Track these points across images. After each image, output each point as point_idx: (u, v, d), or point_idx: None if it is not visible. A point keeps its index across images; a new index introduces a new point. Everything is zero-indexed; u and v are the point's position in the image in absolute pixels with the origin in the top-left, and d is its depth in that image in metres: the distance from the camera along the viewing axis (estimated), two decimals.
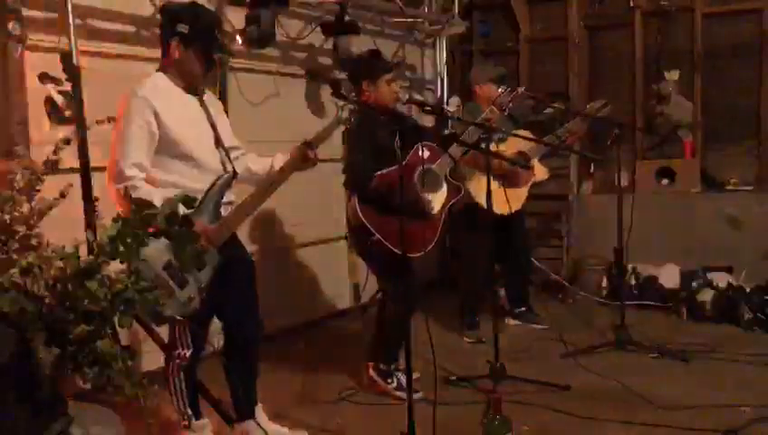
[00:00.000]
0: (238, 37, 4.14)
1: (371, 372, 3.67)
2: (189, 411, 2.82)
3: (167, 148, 2.68)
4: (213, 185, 2.72)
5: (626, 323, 4.26)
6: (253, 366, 3.03)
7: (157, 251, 2.44)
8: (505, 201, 3.94)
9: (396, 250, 3.23)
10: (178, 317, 2.54)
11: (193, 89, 2.82)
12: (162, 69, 2.79)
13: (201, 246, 2.54)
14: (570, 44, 6.30)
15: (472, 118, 4.06)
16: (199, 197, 2.67)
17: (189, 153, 2.71)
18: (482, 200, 3.74)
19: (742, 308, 4.66)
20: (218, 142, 2.82)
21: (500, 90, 3.83)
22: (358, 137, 3.46)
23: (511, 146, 4.44)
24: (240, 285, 2.90)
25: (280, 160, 2.89)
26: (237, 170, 2.87)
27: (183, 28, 2.68)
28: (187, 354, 2.75)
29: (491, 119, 3.67)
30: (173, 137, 2.67)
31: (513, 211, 4.28)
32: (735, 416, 3.13)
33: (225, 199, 2.77)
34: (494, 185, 3.92)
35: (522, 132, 4.48)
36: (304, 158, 2.78)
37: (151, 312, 1.66)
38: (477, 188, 4.21)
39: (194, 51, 2.72)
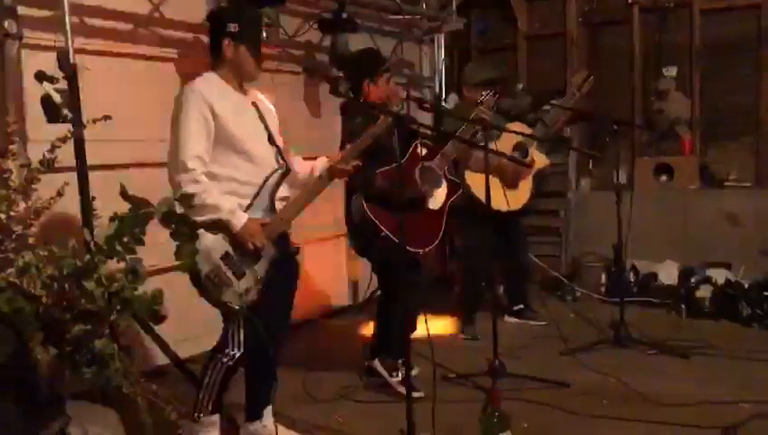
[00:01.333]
0: None
1: (376, 364, 3.67)
2: (210, 407, 2.85)
3: (223, 141, 2.72)
4: (268, 179, 2.79)
5: (625, 320, 4.26)
6: (273, 367, 3.00)
7: (216, 242, 2.61)
8: (505, 197, 3.94)
9: (402, 245, 3.26)
10: (236, 307, 2.63)
11: (244, 90, 2.90)
12: (214, 69, 2.85)
13: (253, 242, 2.67)
14: (568, 41, 6.30)
15: (462, 114, 4.08)
16: (255, 190, 2.76)
17: (244, 148, 2.76)
18: (478, 194, 3.78)
19: (740, 304, 4.68)
20: (271, 139, 2.88)
21: (483, 93, 3.84)
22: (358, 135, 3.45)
23: (506, 141, 4.43)
24: (285, 283, 2.93)
25: (322, 164, 3.02)
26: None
27: (233, 27, 2.77)
28: (237, 355, 2.78)
29: (484, 119, 3.67)
30: (229, 131, 2.72)
31: (512, 208, 4.27)
32: (735, 412, 3.13)
33: (279, 195, 2.83)
34: (495, 182, 3.93)
35: (514, 125, 4.48)
36: (344, 170, 2.97)
37: (149, 311, 1.65)
38: (478, 184, 4.21)
39: (245, 48, 2.79)
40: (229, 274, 2.63)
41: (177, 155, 2.65)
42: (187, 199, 1.68)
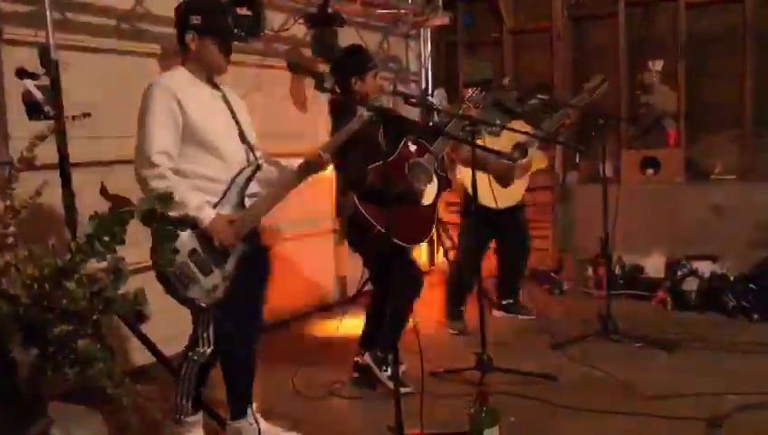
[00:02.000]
0: None
1: (367, 358, 3.68)
2: (189, 406, 2.83)
3: (191, 137, 2.68)
4: (238, 175, 2.75)
5: (612, 313, 4.27)
6: (252, 364, 3.01)
7: (182, 239, 2.56)
8: (503, 194, 3.96)
9: (397, 241, 3.29)
10: (203, 304, 2.60)
11: (215, 85, 2.85)
12: (183, 64, 2.81)
13: (220, 239, 2.64)
14: (553, 35, 6.30)
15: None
16: (224, 187, 2.73)
17: (214, 144, 2.72)
18: (470, 191, 3.77)
19: (726, 297, 4.70)
20: (242, 136, 2.84)
21: (470, 90, 3.84)
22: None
23: (505, 139, 4.43)
24: (255, 279, 2.90)
25: (298, 160, 2.95)
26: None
27: (196, 20, 2.73)
28: (207, 352, 2.76)
29: (470, 115, 3.67)
30: (197, 126, 2.68)
31: (505, 205, 4.28)
32: (720, 404, 3.15)
33: (249, 191, 2.79)
34: (485, 178, 3.93)
35: (516, 123, 4.48)
36: (319, 164, 2.84)
37: (132, 310, 1.63)
38: (469, 179, 4.23)
39: (210, 40, 2.74)
40: (196, 270, 2.59)
41: (143, 151, 2.61)
42: (165, 199, 1.65)
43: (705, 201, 5.45)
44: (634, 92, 6.04)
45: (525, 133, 4.37)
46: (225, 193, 2.72)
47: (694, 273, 5.01)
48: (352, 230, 3.57)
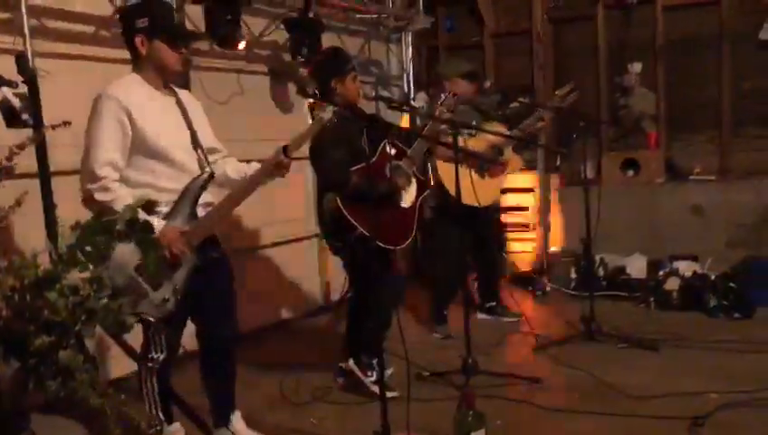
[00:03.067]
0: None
1: (350, 364, 3.67)
2: (162, 416, 2.77)
3: (141, 147, 2.64)
4: (189, 185, 2.69)
5: (595, 315, 4.30)
6: (229, 370, 2.98)
7: (128, 253, 2.38)
8: (479, 193, 3.96)
9: (379, 243, 3.29)
10: (152, 319, 2.51)
11: (169, 89, 2.80)
12: (135, 70, 2.76)
13: (171, 251, 2.55)
14: (534, 38, 6.34)
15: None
16: (175, 197, 2.66)
17: (164, 153, 2.67)
18: (449, 189, 3.87)
19: (707, 296, 4.74)
20: (195, 142, 2.78)
21: (442, 95, 3.86)
22: (333, 135, 3.42)
23: (482, 139, 4.45)
24: (217, 286, 2.86)
25: (257, 166, 2.86)
26: (215, 172, 2.82)
27: (142, 22, 2.67)
28: (161, 358, 2.69)
29: (448, 119, 3.68)
30: (147, 136, 2.63)
31: (483, 205, 4.28)
32: (703, 403, 3.18)
33: (202, 200, 2.73)
34: (465, 174, 3.93)
35: (493, 125, 4.51)
36: (278, 164, 2.72)
37: (114, 321, 1.61)
38: (450, 179, 4.23)
39: (160, 41, 2.69)
40: (145, 284, 2.47)
41: (87, 164, 2.57)
42: (151, 206, 1.64)
43: (685, 202, 5.51)
44: (614, 95, 6.09)
45: (502, 135, 4.40)
46: (176, 203, 2.66)
47: (675, 273, 5.05)
48: (333, 232, 3.56)
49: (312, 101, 3.42)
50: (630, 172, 5.82)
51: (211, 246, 2.82)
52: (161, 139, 2.66)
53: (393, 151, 3.64)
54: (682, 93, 5.86)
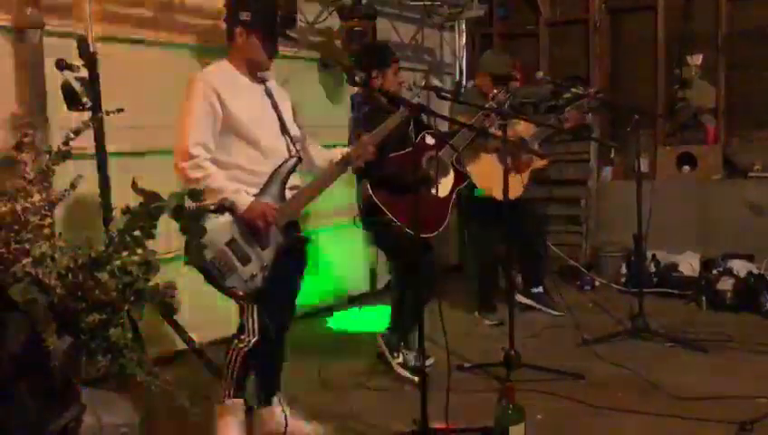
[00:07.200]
0: None
1: (380, 339, 3.75)
2: (233, 391, 2.85)
3: (231, 130, 2.73)
4: (279, 168, 2.79)
5: (644, 312, 4.22)
6: (281, 352, 3.05)
7: (220, 227, 2.59)
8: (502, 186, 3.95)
9: (408, 230, 3.34)
10: (241, 293, 2.63)
11: (259, 78, 2.89)
12: (228, 57, 2.86)
13: (261, 223, 2.67)
14: (590, 28, 6.21)
15: (469, 100, 4.30)
16: (262, 180, 2.76)
17: (254, 136, 2.76)
18: (477, 183, 4.10)
19: (762, 297, 4.60)
20: (284, 129, 2.88)
21: (494, 90, 3.91)
22: (371, 123, 3.48)
23: (510, 133, 4.42)
24: (293, 270, 2.94)
25: (339, 153, 3.01)
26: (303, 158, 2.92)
27: (245, 15, 2.77)
28: (252, 341, 2.78)
29: (489, 115, 3.74)
30: (237, 119, 2.72)
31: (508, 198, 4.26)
32: (752, 407, 3.09)
33: (290, 183, 2.83)
34: (495, 168, 3.97)
35: (519, 123, 4.50)
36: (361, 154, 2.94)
37: (161, 302, 1.67)
38: (477, 171, 4.28)
39: (256, 37, 2.79)
40: (234, 259, 2.62)
41: (181, 143, 2.66)
42: (197, 195, 1.69)
43: (742, 199, 5.35)
44: (671, 87, 5.93)
45: (548, 126, 4.40)
46: (265, 184, 2.76)
47: (729, 272, 4.91)
48: (368, 221, 3.67)
49: (355, 93, 3.55)
50: (686, 167, 5.68)
51: (296, 229, 2.93)
52: (250, 123, 2.76)
53: (432, 141, 3.67)
54: (743, 87, 5.68)
